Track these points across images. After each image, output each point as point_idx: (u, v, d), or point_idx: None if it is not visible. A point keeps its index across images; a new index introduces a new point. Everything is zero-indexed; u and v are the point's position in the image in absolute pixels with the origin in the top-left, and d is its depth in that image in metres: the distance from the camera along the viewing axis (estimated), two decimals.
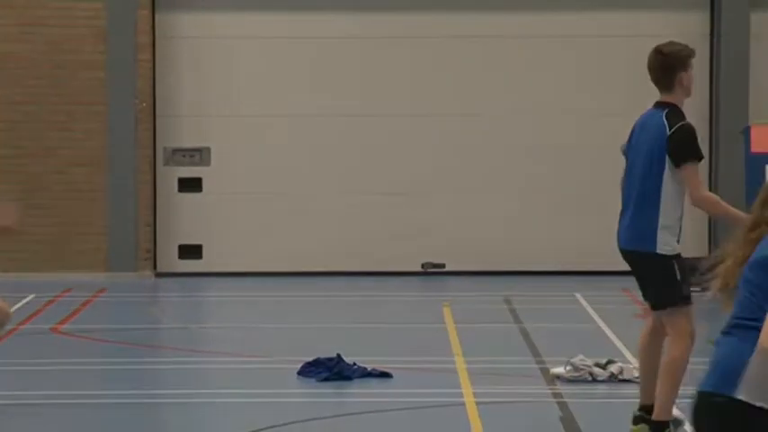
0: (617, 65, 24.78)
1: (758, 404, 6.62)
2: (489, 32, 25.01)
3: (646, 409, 13.38)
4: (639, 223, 13.70)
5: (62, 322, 20.40)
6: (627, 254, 13.91)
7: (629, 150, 13.96)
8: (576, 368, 15.91)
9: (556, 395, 15.16)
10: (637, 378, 15.55)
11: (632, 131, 13.95)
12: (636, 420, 13.34)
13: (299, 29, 25.02)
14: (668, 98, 13.92)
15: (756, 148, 23.13)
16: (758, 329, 6.61)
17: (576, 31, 25.11)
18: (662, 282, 13.64)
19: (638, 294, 21.98)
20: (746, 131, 23.23)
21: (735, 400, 6.67)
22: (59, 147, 24.95)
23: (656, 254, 13.66)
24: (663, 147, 13.61)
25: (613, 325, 19.29)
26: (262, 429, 13.70)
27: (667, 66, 14.02)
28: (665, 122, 13.70)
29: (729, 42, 24.22)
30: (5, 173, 24.84)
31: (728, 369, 6.78)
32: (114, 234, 24.90)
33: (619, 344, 17.75)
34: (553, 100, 25.01)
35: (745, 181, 22.37)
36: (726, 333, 6.93)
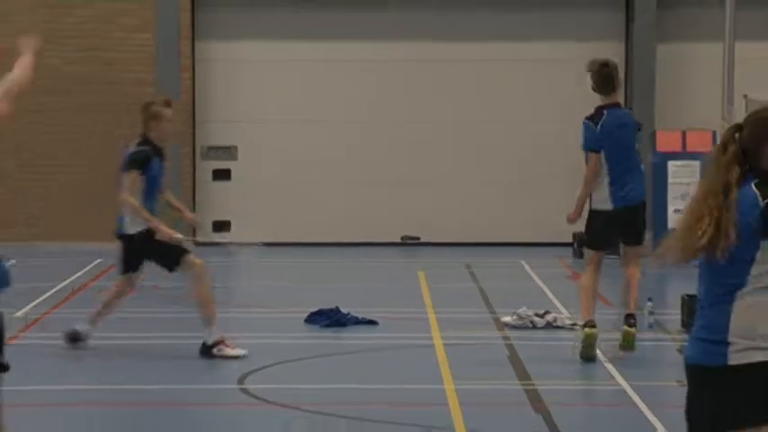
0: (555, 83, 24.84)
1: None
2: (469, 57, 25.05)
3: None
4: (641, 182, 14.43)
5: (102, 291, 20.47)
6: (640, 204, 14.50)
7: (606, 139, 14.16)
8: (520, 317, 16.09)
9: (504, 338, 15.29)
10: (569, 325, 15.71)
11: (605, 126, 14.16)
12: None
13: (309, 54, 25.07)
14: (615, 99, 14.58)
15: (661, 148, 23.27)
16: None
17: (522, 56, 25.14)
18: (645, 222, 14.69)
19: (569, 261, 22.26)
20: (653, 135, 23.32)
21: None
22: (119, 148, 25.03)
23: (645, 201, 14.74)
24: (635, 132, 14.61)
25: (549, 284, 19.37)
26: (278, 363, 13.83)
27: (611, 75, 14.40)
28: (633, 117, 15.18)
29: (640, 67, 24.23)
30: (79, 159, 24.89)
31: None
32: (164, 212, 24.95)
33: (553, 299, 17.85)
34: (509, 109, 25.11)
35: (653, 171, 22.45)
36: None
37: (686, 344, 6.28)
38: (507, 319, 16.22)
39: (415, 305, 17.72)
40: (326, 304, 16.38)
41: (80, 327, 14.00)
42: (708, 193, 6.16)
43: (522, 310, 16.30)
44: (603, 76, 14.52)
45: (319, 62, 25.06)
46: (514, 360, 14.04)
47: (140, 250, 14.08)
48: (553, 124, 24.79)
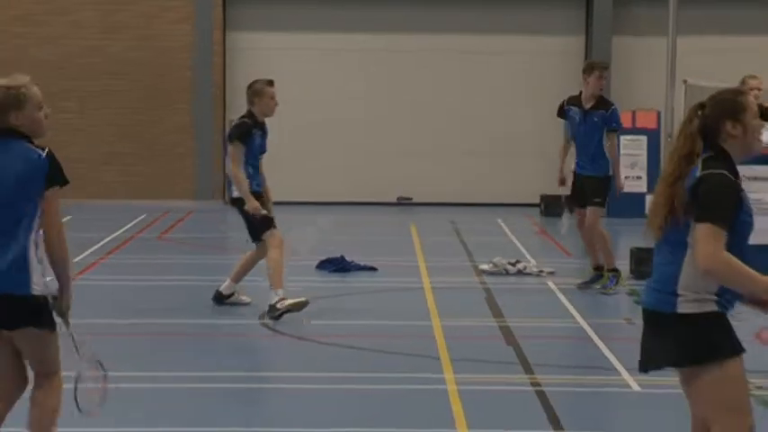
0: (527, 71, 24.87)
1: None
2: (457, 49, 25.10)
3: (596, 268, 14.52)
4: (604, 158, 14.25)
5: (165, 232, 20.55)
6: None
7: (583, 122, 14.19)
8: (495, 265, 16.15)
9: (482, 283, 15.36)
10: (536, 272, 15.75)
11: (584, 111, 14.19)
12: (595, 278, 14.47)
13: (320, 43, 25.08)
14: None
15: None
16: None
17: (500, 48, 25.13)
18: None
19: (537, 219, 22.28)
20: None
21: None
22: (162, 121, 25.06)
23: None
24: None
25: (520, 238, 19.41)
26: None
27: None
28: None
29: (597, 56, 24.09)
30: (129, 136, 24.93)
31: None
32: (199, 175, 25.04)
33: (524, 250, 17.89)
34: (489, 93, 25.13)
35: None
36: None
37: (643, 292, 6.22)
38: (485, 266, 16.30)
39: (408, 255, 17.79)
40: (333, 254, 16.50)
41: (222, 287, 13.45)
42: (668, 169, 6.15)
43: (497, 260, 16.37)
44: None
45: (330, 50, 25.09)
46: (490, 301, 14.10)
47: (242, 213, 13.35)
48: (525, 107, 24.84)
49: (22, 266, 6.75)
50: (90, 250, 17.80)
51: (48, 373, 6.99)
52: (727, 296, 5.99)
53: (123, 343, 11.92)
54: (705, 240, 5.88)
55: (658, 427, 8.92)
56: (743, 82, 17.25)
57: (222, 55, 25.20)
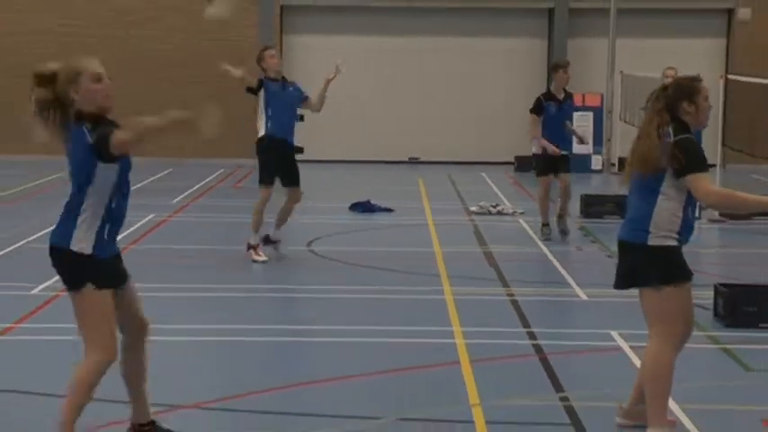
0: (502, 65, 24.76)
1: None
2: (454, 47, 24.97)
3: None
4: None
5: (237, 183, 20.59)
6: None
7: (558, 112, 13.26)
8: (481, 208, 16.17)
9: (471, 220, 15.35)
10: (510, 213, 15.73)
11: (559, 103, 13.22)
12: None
13: (355, 44, 24.96)
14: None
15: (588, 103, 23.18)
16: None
17: (482, 47, 25.01)
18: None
19: (512, 174, 22.23)
20: None
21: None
22: (235, 101, 24.99)
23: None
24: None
25: (499, 188, 19.40)
26: (332, 235, 13.94)
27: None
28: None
29: (557, 54, 24.05)
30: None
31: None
32: None
33: (502, 196, 17.89)
34: (477, 79, 25.00)
35: None
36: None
37: (620, 227, 6.15)
38: (473, 208, 16.30)
39: (416, 200, 17.77)
40: (361, 198, 16.52)
41: (271, 233, 12.25)
42: (641, 134, 6.08)
43: (482, 203, 16.39)
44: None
45: (362, 49, 24.82)
46: (477, 233, 14.11)
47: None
48: (502, 90, 24.70)
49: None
50: (184, 194, 17.87)
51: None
52: (684, 235, 6.00)
53: (219, 260, 12.02)
54: (700, 185, 5.89)
55: (599, 323, 8.97)
56: (663, 72, 17.08)
57: (280, 51, 25.09)
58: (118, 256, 5.79)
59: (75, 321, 5.60)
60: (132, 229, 14.01)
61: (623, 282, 6.16)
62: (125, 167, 5.67)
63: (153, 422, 5.96)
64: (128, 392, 5.88)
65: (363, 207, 16.16)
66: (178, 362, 7.89)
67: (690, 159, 5.91)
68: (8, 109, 24.42)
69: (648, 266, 5.97)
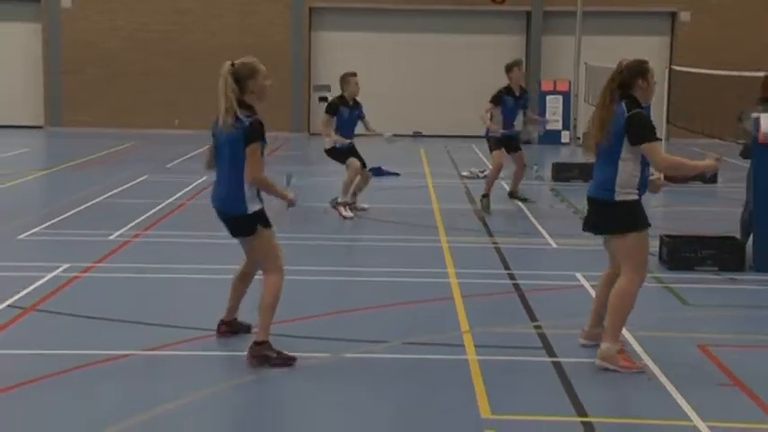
0: (484, 58, 24.56)
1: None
2: (445, 42, 24.79)
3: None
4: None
5: (273, 152, 20.50)
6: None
7: (515, 105, 12.45)
8: (471, 173, 16.11)
9: (464, 184, 15.30)
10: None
11: (516, 98, 12.37)
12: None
13: (373, 40, 24.80)
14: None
15: (543, 89, 23.01)
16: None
17: (469, 43, 24.84)
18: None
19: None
20: (539, 83, 23.13)
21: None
22: (272, 86, 24.90)
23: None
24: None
25: (486, 157, 19.24)
26: None
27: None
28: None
29: (533, 50, 23.94)
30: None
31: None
32: (293, 117, 24.82)
33: (488, 164, 17.81)
34: (465, 69, 24.83)
35: (539, 102, 22.29)
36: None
37: (590, 186, 6.12)
38: (465, 173, 16.27)
39: (418, 167, 17.69)
40: (373, 164, 16.33)
41: (339, 197, 11.85)
42: (599, 107, 6.03)
43: (472, 169, 16.35)
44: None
45: (377, 43, 24.77)
46: (468, 194, 14.02)
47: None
48: (488, 77, 24.51)
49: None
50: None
51: (264, 269, 6.15)
52: (642, 189, 6.00)
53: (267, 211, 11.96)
54: (654, 153, 5.88)
55: (566, 266, 8.95)
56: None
57: (308, 45, 24.97)
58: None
59: (253, 257, 6.29)
60: (189, 187, 14.01)
61: (595, 229, 6.16)
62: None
63: (235, 319, 6.59)
64: (230, 297, 6.51)
65: (375, 171, 15.99)
66: (220, 295, 7.87)
67: (643, 131, 5.87)
68: (96, 90, 24.54)
69: (615, 218, 5.96)
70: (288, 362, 5.96)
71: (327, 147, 12.12)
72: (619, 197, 5.94)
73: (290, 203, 6.27)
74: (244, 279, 6.51)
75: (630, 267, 5.97)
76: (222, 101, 6.02)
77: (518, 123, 12.91)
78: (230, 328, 6.55)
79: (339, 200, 11.80)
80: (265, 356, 5.94)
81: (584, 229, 6.25)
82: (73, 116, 24.54)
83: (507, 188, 13.78)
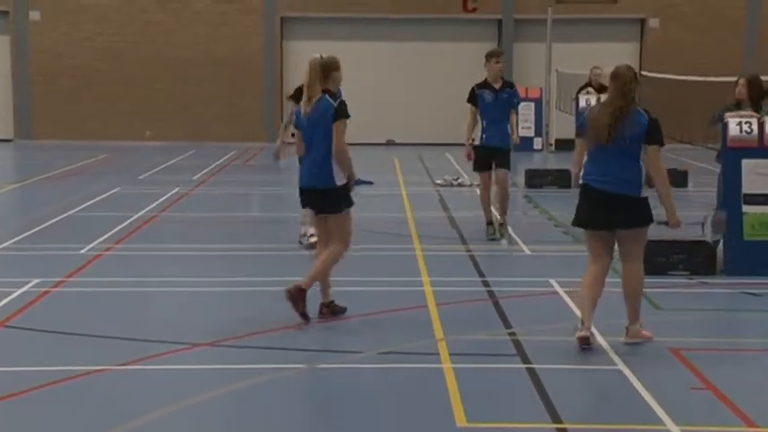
0: (459, 62, 24.64)
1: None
2: (420, 50, 24.84)
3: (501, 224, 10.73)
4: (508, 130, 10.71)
5: (247, 162, 20.45)
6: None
7: (495, 101, 10.65)
8: (444, 180, 16.09)
9: (437, 191, 15.29)
10: (469, 185, 15.61)
11: (495, 91, 10.60)
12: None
13: (344, 49, 24.74)
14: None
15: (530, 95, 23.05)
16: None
17: (444, 49, 24.95)
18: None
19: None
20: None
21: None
22: (246, 94, 24.84)
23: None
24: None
25: (459, 165, 19.23)
26: None
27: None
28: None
29: (506, 56, 24.05)
30: (226, 102, 24.68)
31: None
32: (266, 126, 24.91)
33: (461, 171, 17.80)
34: (441, 76, 24.89)
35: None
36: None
37: (608, 183, 6.36)
38: (438, 181, 16.23)
39: (392, 175, 17.66)
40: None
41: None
42: (614, 110, 6.34)
43: (446, 177, 16.32)
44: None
45: (350, 53, 24.71)
46: (441, 201, 14.01)
47: None
48: (461, 84, 24.43)
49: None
50: (203, 171, 17.75)
51: (333, 241, 7.13)
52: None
53: (232, 225, 11.95)
54: (659, 157, 6.37)
55: (540, 273, 8.97)
56: (590, 70, 16.93)
57: (281, 55, 24.94)
58: None
59: (332, 233, 7.17)
60: (162, 199, 13.92)
61: (623, 224, 6.42)
62: None
63: (332, 302, 7.25)
64: (321, 284, 7.13)
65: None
66: (195, 308, 7.84)
67: (661, 134, 6.40)
68: (66, 102, 24.35)
69: (642, 212, 6.38)
70: (342, 310, 7.21)
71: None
72: (644, 193, 6.39)
73: (350, 180, 7.20)
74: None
75: (641, 254, 6.50)
76: (310, 89, 7.00)
77: (502, 126, 10.67)
78: (330, 309, 7.18)
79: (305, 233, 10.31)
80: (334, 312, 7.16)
81: (603, 227, 6.43)
82: (43, 129, 24.37)
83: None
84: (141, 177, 16.97)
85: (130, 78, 24.43)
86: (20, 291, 8.11)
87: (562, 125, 21.69)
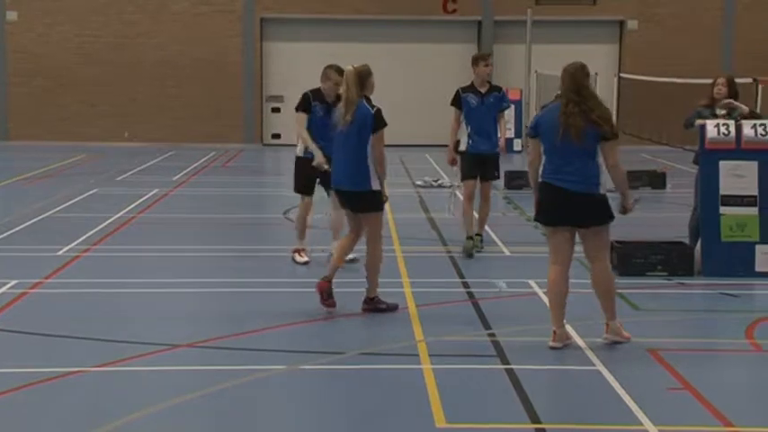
0: (442, 64, 24.71)
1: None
2: (404, 50, 24.87)
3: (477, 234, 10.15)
4: (496, 135, 10.13)
5: (226, 163, 20.43)
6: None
7: (481, 105, 10.09)
8: (425, 182, 16.17)
9: (417, 192, 15.34)
10: (447, 186, 15.66)
11: (481, 95, 10.07)
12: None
13: (322, 49, 24.79)
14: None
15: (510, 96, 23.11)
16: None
17: (427, 51, 25.02)
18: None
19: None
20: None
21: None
22: (224, 95, 24.80)
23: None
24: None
25: (440, 166, 19.30)
26: None
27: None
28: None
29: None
30: (206, 104, 24.65)
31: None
32: (245, 128, 24.89)
33: (441, 173, 17.84)
34: (425, 77, 24.98)
35: None
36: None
37: (568, 182, 6.39)
38: (419, 182, 16.30)
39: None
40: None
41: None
42: (578, 105, 6.37)
43: (426, 178, 16.40)
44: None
45: (328, 53, 24.70)
46: (422, 203, 14.08)
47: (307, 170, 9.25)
48: (443, 85, 24.62)
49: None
50: (183, 172, 17.71)
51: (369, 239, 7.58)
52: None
53: (210, 226, 11.92)
54: (616, 152, 6.38)
55: (519, 273, 9.01)
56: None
57: (260, 56, 24.92)
58: None
59: (365, 231, 7.59)
60: (141, 200, 13.88)
61: (584, 222, 6.46)
62: None
63: (376, 297, 7.58)
64: (369, 282, 7.58)
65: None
66: (175, 309, 7.82)
67: (614, 128, 6.41)
68: (44, 103, 24.24)
69: (602, 210, 6.41)
70: (393, 308, 7.51)
71: (298, 154, 9.44)
72: (603, 191, 6.42)
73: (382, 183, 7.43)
74: (351, 245, 7.71)
75: (605, 253, 6.53)
76: (346, 96, 7.50)
77: (488, 130, 10.11)
78: (373, 304, 7.56)
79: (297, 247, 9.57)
80: (377, 308, 7.51)
81: (560, 223, 6.50)
82: (20, 130, 24.23)
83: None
84: (120, 178, 16.91)
85: (108, 80, 24.33)
86: None
87: None
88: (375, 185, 7.40)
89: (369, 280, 7.53)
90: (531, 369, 6.12)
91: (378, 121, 7.44)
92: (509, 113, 22.25)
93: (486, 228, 11.65)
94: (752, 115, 9.31)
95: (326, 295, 7.47)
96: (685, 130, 9.52)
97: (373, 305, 7.53)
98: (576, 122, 6.29)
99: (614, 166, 6.34)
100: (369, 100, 7.58)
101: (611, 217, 6.46)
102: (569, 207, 6.41)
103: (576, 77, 6.39)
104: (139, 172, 18.00)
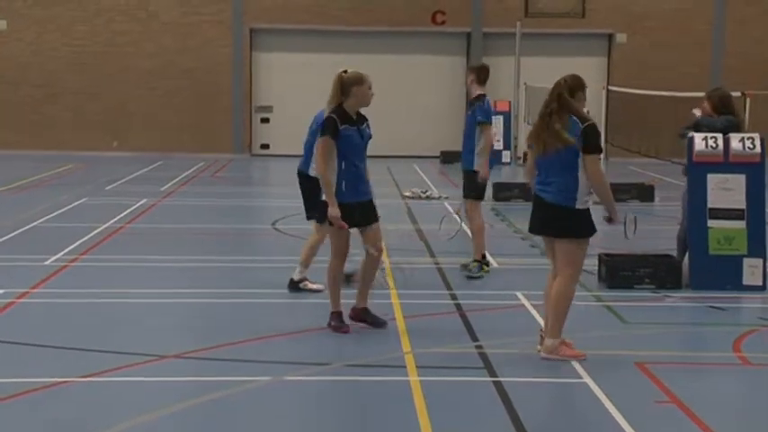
0: (433, 75, 24.74)
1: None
2: (397, 63, 24.90)
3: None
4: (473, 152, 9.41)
5: (215, 173, 20.40)
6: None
7: (471, 117, 9.57)
8: (413, 193, 16.16)
9: (405, 203, 15.32)
10: (436, 197, 15.69)
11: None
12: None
13: (310, 59, 24.82)
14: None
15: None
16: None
17: (418, 62, 25.07)
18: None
19: (438, 166, 22.23)
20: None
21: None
22: (214, 105, 24.79)
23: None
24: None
25: (428, 177, 19.38)
26: (289, 216, 13.79)
27: (488, 72, 10.02)
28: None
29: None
30: (195, 113, 24.61)
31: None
32: (235, 138, 24.86)
33: (430, 184, 17.86)
34: (414, 88, 25.02)
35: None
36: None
37: (545, 192, 6.42)
38: (407, 193, 16.30)
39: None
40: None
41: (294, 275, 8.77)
42: (545, 119, 6.40)
43: (414, 189, 16.40)
44: (486, 72, 9.90)
45: (316, 64, 24.75)
46: (410, 213, 14.07)
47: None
48: (432, 97, 24.83)
49: None
50: (172, 182, 17.67)
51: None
52: (588, 199, 6.41)
53: (198, 236, 11.89)
54: (598, 165, 6.31)
55: (507, 285, 9.01)
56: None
57: (249, 66, 24.92)
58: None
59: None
60: (129, 210, 13.84)
61: (553, 232, 6.46)
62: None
63: (366, 309, 7.36)
64: (359, 288, 7.42)
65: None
66: (161, 320, 7.80)
67: (597, 142, 6.31)
68: (32, 112, 24.17)
69: (575, 223, 6.34)
70: (344, 329, 7.20)
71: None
72: (579, 205, 6.32)
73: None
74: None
75: (571, 269, 6.39)
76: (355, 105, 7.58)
77: (469, 147, 9.51)
78: (361, 315, 7.40)
79: (295, 277, 8.71)
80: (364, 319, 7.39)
81: (541, 233, 6.58)
82: (7, 139, 24.14)
83: (451, 209, 13.84)
84: (108, 188, 16.86)
85: (97, 89, 24.30)
86: None
87: None
88: (322, 196, 7.13)
89: (360, 291, 7.46)
90: (519, 381, 6.11)
91: (323, 128, 7.28)
92: (496, 124, 22.53)
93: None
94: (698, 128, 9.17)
95: (358, 320, 7.41)
96: (681, 140, 9.51)
97: (362, 316, 7.44)
98: (542, 136, 6.35)
99: (591, 177, 6.27)
100: (340, 107, 7.38)
101: (583, 234, 6.35)
102: (545, 218, 6.46)
103: (554, 90, 6.41)
104: (128, 182, 17.96)
